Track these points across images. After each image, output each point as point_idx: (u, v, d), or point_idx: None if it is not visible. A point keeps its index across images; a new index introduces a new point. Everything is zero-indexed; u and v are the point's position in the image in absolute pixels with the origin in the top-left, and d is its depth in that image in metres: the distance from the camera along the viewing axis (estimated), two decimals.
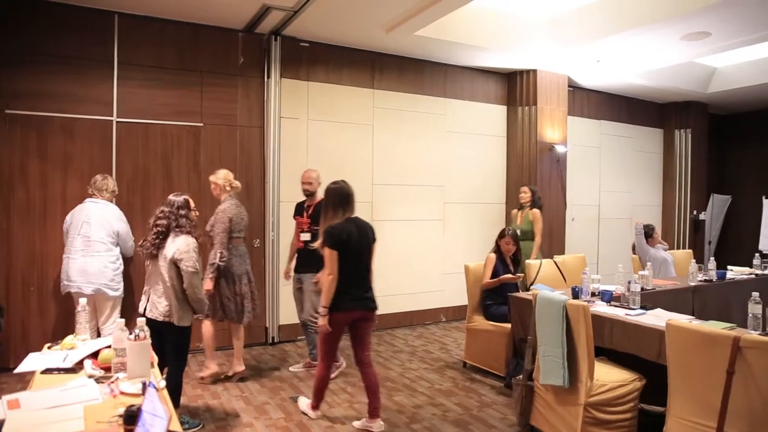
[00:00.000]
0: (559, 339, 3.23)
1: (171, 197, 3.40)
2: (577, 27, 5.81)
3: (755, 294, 3.19)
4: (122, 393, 2.01)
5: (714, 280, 5.04)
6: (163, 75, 5.18)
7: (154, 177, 5.17)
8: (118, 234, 4.38)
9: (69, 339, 2.60)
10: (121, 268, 4.44)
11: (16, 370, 2.36)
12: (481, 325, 4.82)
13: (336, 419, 3.80)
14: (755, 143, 9.38)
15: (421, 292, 6.68)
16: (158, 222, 3.31)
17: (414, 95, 6.57)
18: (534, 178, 6.95)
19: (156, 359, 2.54)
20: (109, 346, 2.34)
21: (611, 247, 8.21)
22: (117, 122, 4.98)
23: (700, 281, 4.93)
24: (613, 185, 8.41)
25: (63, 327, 4.61)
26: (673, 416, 2.78)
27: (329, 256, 3.41)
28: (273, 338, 5.69)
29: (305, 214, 4.69)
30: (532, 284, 4.88)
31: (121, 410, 1.76)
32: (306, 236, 4.60)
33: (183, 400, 3.69)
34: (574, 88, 7.71)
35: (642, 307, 3.74)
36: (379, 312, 6.25)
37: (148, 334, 2.22)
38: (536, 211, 6.07)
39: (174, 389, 3.34)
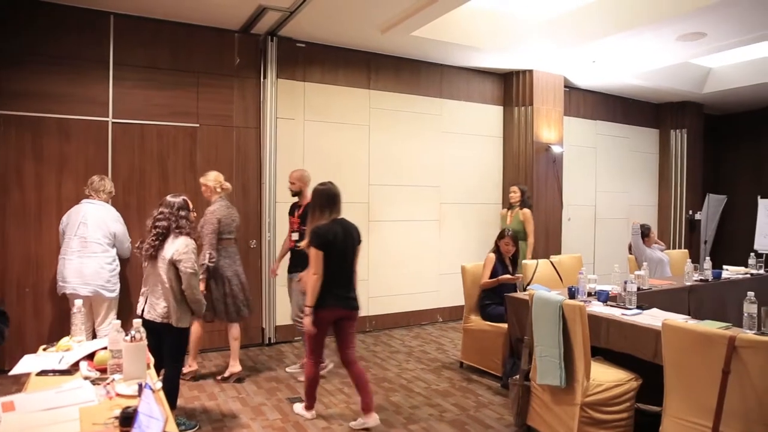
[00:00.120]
0: (555, 339, 3.24)
1: (169, 198, 3.39)
2: (573, 27, 5.83)
3: (750, 293, 3.20)
4: (118, 395, 2.00)
5: (710, 279, 5.05)
6: (158, 75, 5.17)
7: (149, 178, 5.16)
8: (114, 235, 4.37)
9: (64, 341, 2.59)
10: (118, 269, 4.42)
11: (11, 372, 2.34)
12: (478, 325, 4.82)
13: (333, 420, 3.80)
14: (750, 143, 9.43)
15: (418, 292, 6.68)
16: (158, 223, 3.30)
17: (410, 96, 6.57)
18: (530, 179, 6.97)
19: (152, 360, 2.54)
20: (105, 348, 2.33)
21: (607, 247, 8.23)
22: (112, 123, 4.97)
23: (696, 281, 4.95)
24: (609, 185, 8.43)
25: (58, 328, 4.60)
26: (669, 416, 2.79)
27: (315, 255, 3.47)
28: (269, 339, 5.69)
29: (295, 214, 4.70)
30: (528, 284, 4.88)
31: (117, 412, 1.76)
32: (295, 236, 4.61)
33: (180, 401, 3.68)
34: (570, 89, 7.73)
35: (638, 307, 3.74)
36: (376, 312, 6.38)
37: (144, 335, 2.21)
38: (527, 210, 6.07)
39: (171, 391, 3.33)
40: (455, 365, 5.07)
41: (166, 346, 3.34)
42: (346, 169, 6.13)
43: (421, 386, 4.52)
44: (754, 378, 2.42)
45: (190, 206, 3.41)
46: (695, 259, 6.44)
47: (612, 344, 3.50)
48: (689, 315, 3.95)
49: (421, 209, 6.70)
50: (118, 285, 4.42)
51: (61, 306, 4.63)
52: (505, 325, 4.43)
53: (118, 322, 2.32)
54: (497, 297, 4.66)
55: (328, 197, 3.63)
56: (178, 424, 3.40)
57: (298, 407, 3.88)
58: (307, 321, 3.52)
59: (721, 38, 5.68)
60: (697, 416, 2.64)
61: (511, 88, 7.18)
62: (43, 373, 2.24)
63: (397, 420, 3.82)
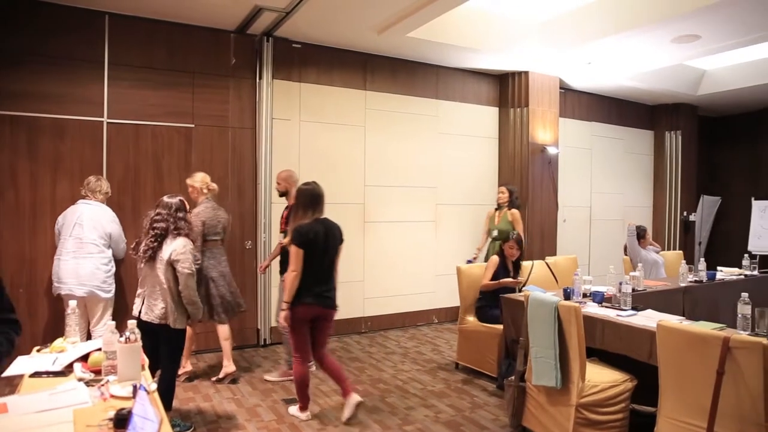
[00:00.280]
0: (551, 340, 3.25)
1: (166, 199, 3.38)
2: (568, 29, 5.84)
3: (744, 294, 3.21)
4: (112, 396, 1.99)
5: (704, 280, 5.07)
6: (154, 76, 5.15)
7: (144, 178, 5.14)
8: (110, 236, 4.35)
9: (58, 342, 2.57)
10: (113, 270, 4.41)
11: (4, 374, 2.33)
12: (474, 326, 4.83)
13: (328, 421, 3.79)
14: (744, 145, 9.48)
15: (414, 293, 6.68)
16: (155, 225, 3.29)
17: (406, 97, 6.58)
18: (525, 180, 6.98)
19: (147, 362, 2.52)
20: (99, 349, 2.31)
21: (602, 248, 8.25)
22: (107, 123, 4.95)
23: (691, 282, 4.96)
24: (604, 187, 8.45)
25: (53, 330, 4.57)
26: (664, 416, 2.80)
27: (295, 253, 3.55)
28: (264, 340, 5.68)
29: (284, 214, 4.70)
30: (524, 285, 4.89)
31: (112, 413, 1.74)
32: (281, 237, 4.61)
33: (174, 402, 3.67)
34: (566, 90, 7.75)
35: (633, 308, 3.75)
36: (371, 314, 6.38)
37: (138, 336, 2.20)
38: (515, 211, 6.04)
39: (166, 392, 3.33)
40: (451, 366, 5.07)
41: (163, 347, 3.33)
42: (341, 170, 6.13)
43: (416, 387, 4.52)
44: (748, 379, 2.43)
45: (187, 207, 3.41)
46: (690, 260, 6.44)
47: (607, 345, 3.51)
48: (684, 316, 3.96)
49: (417, 210, 6.71)
50: (114, 286, 4.40)
51: (55, 307, 4.61)
52: (501, 327, 4.44)
53: (113, 323, 2.31)
54: (494, 299, 4.65)
55: (311, 197, 3.70)
56: (173, 426, 3.40)
57: (293, 409, 3.88)
58: (282, 316, 3.62)
59: (715, 40, 5.71)
60: (692, 417, 2.65)
61: (506, 89, 7.20)
62: (36, 374, 2.22)
63: (393, 421, 3.82)
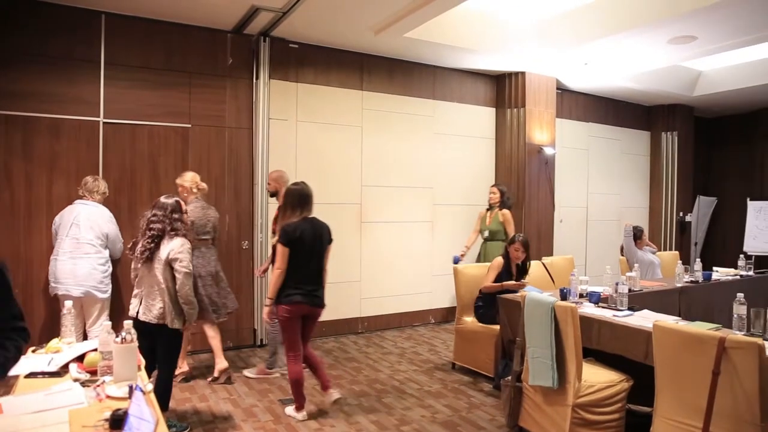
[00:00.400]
0: (547, 340, 3.25)
1: (162, 200, 3.38)
2: (565, 30, 5.85)
3: (740, 295, 3.23)
4: (108, 397, 1.98)
5: (700, 281, 5.09)
6: (150, 75, 5.14)
7: (141, 178, 5.13)
8: (107, 236, 4.34)
9: (54, 342, 2.57)
10: (110, 270, 4.40)
11: None
12: (470, 326, 4.83)
13: (324, 421, 3.79)
14: (739, 146, 9.51)
15: (410, 293, 6.68)
16: (152, 226, 3.29)
17: (403, 97, 6.58)
18: (522, 180, 6.99)
19: (143, 362, 2.52)
20: (95, 350, 2.31)
21: (599, 248, 8.27)
22: (104, 123, 4.93)
23: (687, 282, 4.98)
24: (600, 187, 8.47)
25: (49, 330, 4.56)
26: (660, 416, 2.81)
27: (281, 252, 3.63)
28: (261, 340, 5.66)
29: (276, 215, 4.72)
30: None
31: (107, 414, 1.74)
32: (273, 238, 4.63)
33: (171, 403, 3.66)
34: (563, 91, 7.76)
35: (629, 309, 3.76)
36: (368, 314, 6.38)
37: (135, 336, 2.19)
38: (506, 211, 6.02)
39: (163, 393, 3.32)
40: (447, 366, 5.07)
41: (161, 347, 3.34)
42: (338, 170, 6.13)
43: (413, 387, 4.52)
44: (744, 379, 2.44)
45: (183, 208, 3.42)
46: (686, 260, 6.48)
47: (603, 345, 3.52)
48: (680, 316, 3.98)
49: (414, 210, 6.71)
50: (110, 286, 4.39)
51: (51, 307, 4.60)
52: (498, 327, 4.44)
53: (109, 323, 2.30)
54: (494, 301, 4.62)
55: (300, 197, 3.76)
56: (169, 426, 3.39)
57: (290, 410, 3.87)
58: (266, 311, 3.75)
59: (711, 41, 5.73)
60: (688, 417, 2.66)
61: (503, 89, 7.20)
62: (31, 375, 2.21)
63: (389, 421, 3.82)
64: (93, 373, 2.22)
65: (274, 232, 4.57)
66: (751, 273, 5.70)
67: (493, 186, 6.24)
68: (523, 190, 7.00)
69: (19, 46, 4.60)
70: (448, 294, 6.69)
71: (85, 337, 4.26)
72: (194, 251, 4.31)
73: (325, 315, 5.90)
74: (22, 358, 2.43)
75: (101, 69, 4.91)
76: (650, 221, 9.07)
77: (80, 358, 2.36)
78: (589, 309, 3.80)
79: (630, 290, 4.09)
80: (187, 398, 4.18)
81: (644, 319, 3.48)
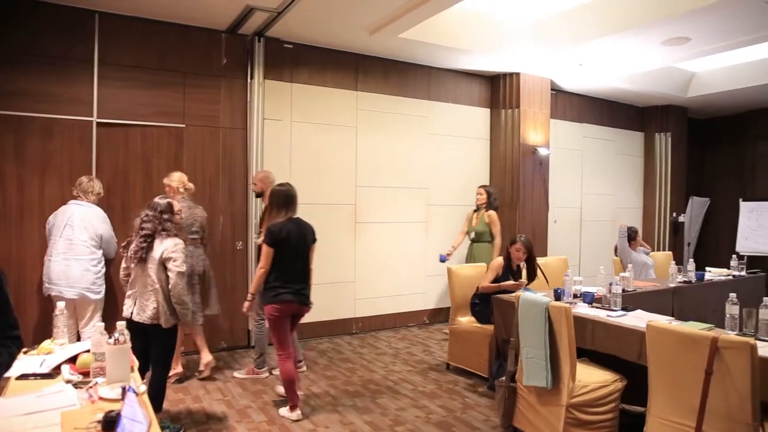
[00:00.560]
0: (541, 340, 3.26)
1: (156, 200, 3.41)
2: (559, 31, 5.87)
3: (732, 295, 3.25)
4: (101, 398, 1.97)
5: (693, 281, 5.11)
6: (144, 75, 5.11)
7: (134, 179, 5.11)
8: (101, 237, 4.32)
9: (46, 343, 2.55)
10: (103, 271, 4.37)
11: None
12: (465, 326, 4.84)
13: (319, 422, 3.79)
14: (732, 147, 9.56)
15: (405, 294, 6.68)
16: (144, 226, 3.32)
17: (398, 97, 6.58)
18: (517, 181, 7.01)
19: (137, 363, 2.51)
20: (88, 351, 2.29)
21: (593, 249, 8.29)
22: (97, 122, 4.91)
23: (680, 282, 5.00)
24: (595, 188, 8.49)
25: (41, 331, 4.53)
26: (653, 416, 2.82)
27: (266, 252, 3.73)
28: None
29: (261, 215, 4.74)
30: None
31: (100, 416, 1.73)
32: (258, 239, 4.64)
33: (165, 404, 3.64)
34: (557, 92, 7.78)
35: (623, 309, 3.78)
36: (362, 314, 6.37)
37: (128, 337, 2.18)
38: (492, 213, 6.01)
39: (157, 394, 3.32)
40: (442, 367, 5.08)
41: (154, 348, 3.33)
42: (333, 170, 6.13)
43: (407, 388, 4.52)
44: (736, 378, 2.45)
45: (175, 208, 3.42)
46: (679, 261, 6.50)
47: (597, 345, 3.53)
48: (673, 316, 3.99)
49: (408, 211, 6.71)
50: (104, 287, 4.37)
51: (44, 308, 4.57)
52: (492, 326, 4.44)
53: (102, 324, 2.29)
54: (489, 302, 4.62)
55: (285, 197, 3.84)
56: (163, 428, 3.36)
57: (284, 410, 3.86)
58: (246, 305, 3.91)
59: (705, 43, 5.76)
60: (681, 416, 2.67)
61: (498, 90, 7.22)
62: (23, 377, 2.20)
63: (384, 422, 3.82)
64: (85, 374, 2.21)
65: (260, 233, 4.59)
66: (743, 273, 5.73)
67: (480, 187, 6.22)
68: (517, 191, 7.01)
69: (12, 44, 4.57)
70: (443, 294, 6.69)
71: (78, 338, 4.24)
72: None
73: (320, 315, 5.97)
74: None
75: (95, 68, 4.89)
76: (644, 222, 9.11)
77: (73, 360, 2.34)
78: (583, 309, 3.82)
79: (624, 290, 4.10)
80: (180, 399, 4.16)
81: (638, 319, 3.50)
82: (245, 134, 5.62)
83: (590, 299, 4.00)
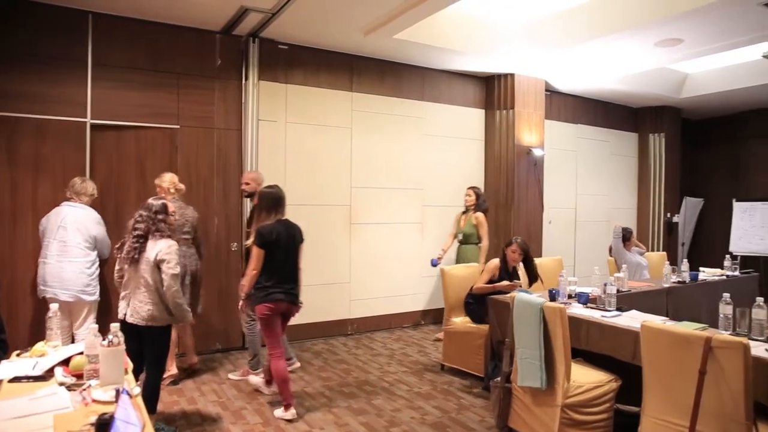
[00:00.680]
0: (536, 341, 3.26)
1: (150, 201, 3.42)
2: (554, 32, 5.88)
3: (726, 295, 3.26)
4: (94, 401, 1.96)
5: (687, 281, 5.13)
6: (138, 76, 5.10)
7: (128, 180, 5.09)
8: (95, 238, 4.31)
9: (39, 346, 2.54)
10: (97, 272, 4.35)
11: None
12: (459, 327, 4.84)
13: (314, 423, 3.78)
14: (725, 147, 9.61)
15: (400, 295, 6.68)
16: (137, 226, 3.32)
17: (392, 98, 6.58)
18: (511, 182, 7.02)
19: (130, 365, 2.50)
20: (81, 353, 2.28)
21: (588, 249, 8.31)
22: (91, 124, 4.88)
23: (674, 283, 5.02)
24: (589, 188, 8.52)
25: (35, 333, 4.49)
26: (648, 416, 2.83)
27: (256, 253, 3.77)
28: None
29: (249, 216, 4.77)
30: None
31: (93, 419, 1.72)
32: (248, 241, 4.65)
33: (159, 406, 3.63)
34: (551, 92, 7.80)
35: (618, 309, 3.79)
36: (357, 315, 6.37)
37: (122, 339, 2.18)
38: (480, 214, 5.97)
39: (151, 395, 3.31)
40: (437, 368, 5.08)
41: (149, 349, 3.33)
42: (328, 171, 6.12)
43: (402, 389, 4.52)
44: (730, 378, 2.47)
45: (170, 209, 3.42)
46: (673, 261, 6.54)
47: (592, 346, 3.54)
48: (667, 316, 4.00)
49: (404, 212, 6.71)
50: (98, 288, 4.35)
51: (37, 310, 4.54)
52: (487, 326, 4.45)
53: (96, 326, 2.28)
54: (483, 301, 4.62)
55: (274, 199, 3.89)
56: (157, 430, 3.37)
57: (278, 412, 3.86)
58: (241, 304, 4.01)
59: (697, 44, 5.79)
60: (675, 416, 2.68)
61: (492, 91, 7.23)
62: (16, 379, 2.19)
63: (379, 423, 3.82)
64: (79, 376, 2.20)
65: (248, 234, 4.61)
66: (737, 273, 5.76)
67: (469, 188, 6.16)
68: (512, 192, 7.03)
69: (5, 45, 4.54)
70: (438, 295, 6.69)
71: (72, 340, 4.23)
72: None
73: (315, 317, 5.97)
74: (6, 363, 2.41)
75: (89, 69, 4.87)
76: (638, 222, 9.14)
77: (66, 362, 2.33)
78: (577, 310, 3.83)
79: (618, 291, 4.11)
80: (175, 401, 4.15)
81: (632, 319, 3.51)
82: (240, 135, 5.61)
83: (585, 300, 4.01)
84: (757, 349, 2.77)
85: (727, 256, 6.09)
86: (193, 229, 4.59)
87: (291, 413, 3.80)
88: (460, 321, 4.88)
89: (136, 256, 3.26)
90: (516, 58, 6.43)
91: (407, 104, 6.69)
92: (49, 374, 2.25)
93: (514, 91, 7.00)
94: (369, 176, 6.42)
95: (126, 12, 4.95)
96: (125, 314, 3.32)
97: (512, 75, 7.00)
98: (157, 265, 3.24)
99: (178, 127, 5.30)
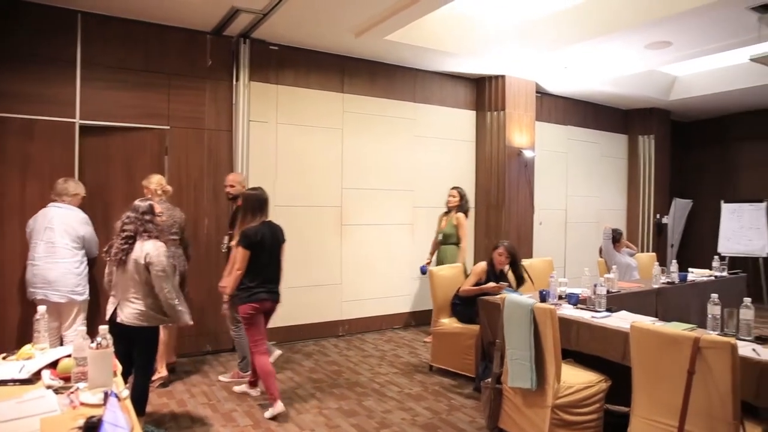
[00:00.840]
0: (526, 342, 3.27)
1: (136, 202, 3.41)
2: (544, 34, 5.91)
3: (714, 295, 3.29)
4: (82, 404, 1.94)
5: (676, 282, 5.16)
6: (128, 76, 5.06)
7: (117, 180, 5.05)
8: (83, 238, 4.27)
9: (26, 348, 2.51)
10: (86, 271, 4.32)
11: None
12: (447, 328, 4.85)
13: (305, 425, 3.77)
14: (714, 149, 9.71)
15: (391, 296, 6.68)
16: (125, 227, 3.31)
17: (384, 100, 6.58)
18: (502, 183, 7.04)
19: (119, 368, 2.48)
20: (69, 356, 2.26)
21: (578, 250, 8.36)
22: (80, 124, 4.84)
23: (663, 283, 5.05)
24: (579, 190, 8.57)
25: (22, 335, 4.45)
26: (637, 416, 2.84)
27: (242, 254, 3.83)
28: None
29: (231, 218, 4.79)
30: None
31: (81, 422, 1.71)
32: (229, 242, 4.66)
33: (148, 408, 3.61)
34: (542, 94, 7.84)
35: (607, 310, 3.81)
36: (348, 317, 6.36)
37: (110, 342, 2.16)
38: (460, 215, 5.94)
39: (140, 397, 3.30)
40: (427, 368, 5.08)
41: (138, 350, 3.32)
42: (319, 172, 6.11)
43: (393, 390, 4.52)
44: (718, 377, 2.49)
45: (157, 210, 3.42)
46: (662, 262, 6.58)
47: (582, 346, 3.55)
48: (656, 317, 4.03)
49: (394, 213, 6.71)
50: (87, 287, 4.32)
51: (25, 312, 4.49)
52: (475, 327, 4.47)
53: (84, 328, 2.27)
54: (471, 302, 4.63)
55: (259, 201, 3.97)
56: None
57: (269, 413, 3.85)
58: (224, 307, 4.12)
59: (685, 47, 5.85)
60: (664, 416, 2.70)
61: (483, 92, 7.25)
62: (2, 383, 2.16)
63: (370, 425, 3.81)
64: (67, 379, 2.18)
65: (231, 237, 4.59)
66: (725, 274, 5.80)
67: (453, 188, 6.11)
68: (503, 193, 7.05)
69: None
70: (429, 296, 6.69)
71: (61, 342, 4.19)
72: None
73: (306, 318, 5.97)
74: None
75: (77, 69, 4.83)
76: (628, 223, 9.21)
77: (53, 365, 2.31)
78: (567, 311, 3.84)
79: (608, 291, 4.14)
80: (165, 403, 4.12)
81: (622, 320, 3.53)
82: (230, 136, 5.59)
83: (575, 301, 4.03)
84: (745, 348, 2.80)
85: (716, 256, 6.15)
86: (181, 230, 4.58)
87: (280, 406, 3.84)
88: (449, 322, 4.89)
89: (124, 258, 3.25)
90: (507, 59, 6.45)
91: (398, 105, 6.69)
92: (36, 377, 2.22)
93: (505, 92, 7.02)
94: (360, 177, 6.42)
95: (116, 12, 4.91)
96: (114, 315, 3.30)
97: (503, 77, 7.02)
98: (146, 266, 3.23)
99: (169, 127, 5.27)
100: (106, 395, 1.83)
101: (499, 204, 7.06)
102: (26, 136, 4.63)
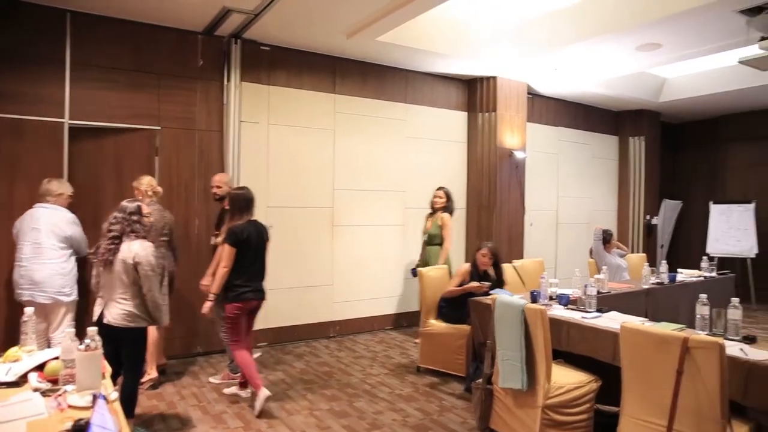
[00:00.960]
0: (517, 342, 3.28)
1: (123, 203, 3.40)
2: (536, 36, 5.94)
3: (703, 296, 3.31)
4: (70, 407, 1.93)
5: (666, 282, 5.21)
6: (118, 76, 5.03)
7: (107, 181, 5.02)
8: (71, 238, 4.23)
9: (13, 350, 2.48)
10: (74, 272, 4.26)
11: None
12: (436, 328, 4.85)
13: (296, 426, 3.76)
14: (703, 151, 9.80)
15: (383, 297, 6.68)
16: (112, 228, 3.30)
17: (375, 101, 6.58)
18: (493, 184, 7.06)
19: (108, 370, 2.46)
20: (57, 358, 2.24)
21: (569, 251, 8.40)
22: (69, 124, 4.81)
23: (653, 284, 5.09)
24: (570, 191, 8.61)
25: (10, 337, 4.40)
26: (627, 415, 2.86)
27: (228, 252, 3.92)
28: None
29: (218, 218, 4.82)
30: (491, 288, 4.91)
31: (69, 425, 1.70)
32: (217, 240, 4.65)
33: (137, 410, 3.58)
34: (533, 95, 7.87)
35: (598, 310, 3.83)
36: (340, 318, 6.35)
37: (99, 343, 2.14)
38: (446, 215, 5.88)
39: (129, 399, 3.28)
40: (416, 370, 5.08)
41: (126, 351, 3.30)
42: (310, 173, 6.10)
43: (384, 391, 4.51)
44: (706, 377, 2.50)
45: (144, 211, 3.40)
46: (652, 262, 6.62)
47: (572, 347, 3.57)
48: (646, 317, 4.05)
49: (386, 214, 6.71)
50: (76, 288, 4.27)
51: (12, 313, 4.43)
52: (466, 326, 4.48)
53: (72, 330, 2.24)
54: (457, 302, 4.64)
55: (246, 200, 4.07)
56: None
57: (257, 405, 3.90)
58: (207, 305, 3.97)
59: (675, 49, 5.90)
60: (653, 415, 2.71)
61: (475, 94, 7.27)
62: None
63: (361, 426, 3.81)
64: (54, 382, 2.16)
65: (216, 235, 4.61)
66: (713, 274, 5.86)
67: (439, 189, 6.04)
68: (494, 194, 7.07)
69: None
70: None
71: (49, 344, 4.15)
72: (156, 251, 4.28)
73: (297, 319, 5.95)
74: None
75: (66, 69, 4.79)
76: (618, 224, 9.26)
77: (41, 367, 2.29)
78: (558, 311, 3.86)
79: (598, 292, 4.16)
80: (154, 405, 4.09)
81: (612, 320, 3.55)
82: (221, 137, 5.57)
83: (566, 301, 4.04)
84: (732, 348, 2.82)
85: (705, 257, 6.20)
86: (171, 231, 4.57)
87: (264, 392, 3.89)
88: (437, 322, 4.89)
89: (111, 258, 3.23)
90: (498, 61, 6.47)
91: (390, 107, 6.70)
92: (23, 380, 2.20)
93: (497, 94, 7.04)
94: (352, 178, 6.41)
95: (106, 11, 4.88)
96: (101, 317, 3.28)
97: (494, 78, 7.04)
98: (135, 266, 3.22)
99: (159, 128, 5.24)
100: (95, 398, 1.81)
101: (490, 205, 7.08)
102: (15, 136, 4.59)
